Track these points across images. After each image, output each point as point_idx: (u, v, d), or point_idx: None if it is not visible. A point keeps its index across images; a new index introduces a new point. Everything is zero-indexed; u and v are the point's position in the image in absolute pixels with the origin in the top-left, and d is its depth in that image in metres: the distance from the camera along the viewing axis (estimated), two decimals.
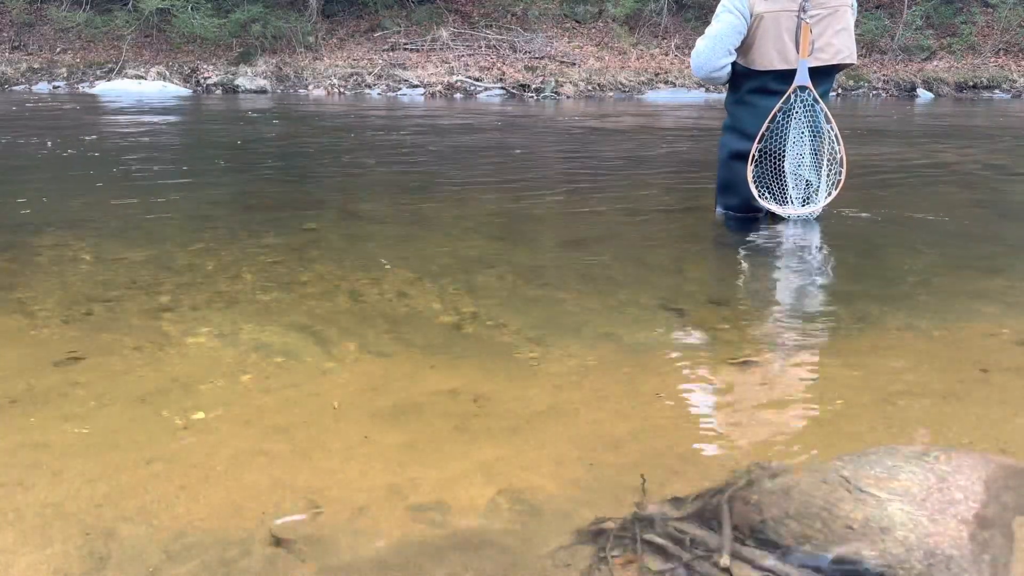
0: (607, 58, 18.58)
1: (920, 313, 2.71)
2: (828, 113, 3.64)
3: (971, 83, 18.50)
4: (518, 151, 7.57)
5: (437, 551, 1.40)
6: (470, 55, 18.28)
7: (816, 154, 3.70)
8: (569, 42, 19.04)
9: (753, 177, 3.67)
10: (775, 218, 3.77)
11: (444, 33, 18.61)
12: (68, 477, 1.63)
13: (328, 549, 1.41)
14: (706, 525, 1.45)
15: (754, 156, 3.66)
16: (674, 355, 2.34)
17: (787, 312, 2.80)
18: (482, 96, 16.76)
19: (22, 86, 16.69)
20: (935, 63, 19.05)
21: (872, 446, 1.74)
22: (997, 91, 18.38)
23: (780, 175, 3.69)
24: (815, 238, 3.75)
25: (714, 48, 3.62)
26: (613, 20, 19.44)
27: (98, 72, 17.20)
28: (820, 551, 1.34)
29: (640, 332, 2.50)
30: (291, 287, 2.92)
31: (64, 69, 17.27)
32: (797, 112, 3.62)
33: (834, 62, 3.61)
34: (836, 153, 3.68)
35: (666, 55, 18.87)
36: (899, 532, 1.32)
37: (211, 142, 8.13)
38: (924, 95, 17.83)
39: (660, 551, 1.39)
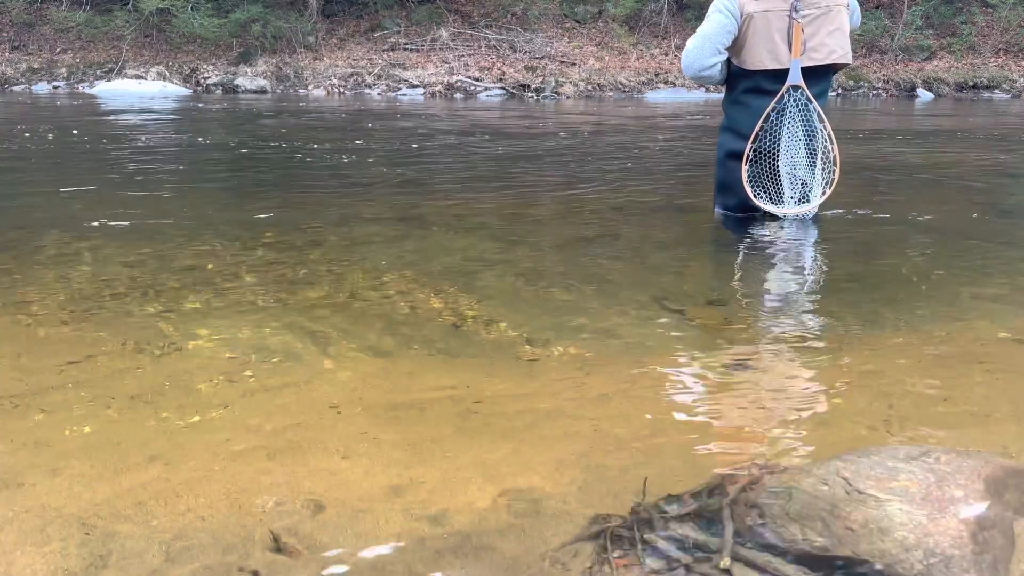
0: (607, 58, 18.58)
1: (920, 313, 2.71)
2: (821, 112, 3.64)
3: (971, 83, 18.50)
4: (515, 151, 7.57)
5: (437, 551, 1.40)
6: (470, 55, 18.29)
7: (811, 154, 3.69)
8: (569, 42, 19.04)
9: (748, 177, 3.67)
10: (773, 218, 3.76)
11: (444, 33, 18.61)
12: (68, 477, 1.63)
13: (328, 549, 1.41)
14: (706, 526, 1.45)
15: (748, 156, 3.65)
16: (674, 355, 2.34)
17: (787, 312, 2.80)
18: (482, 96, 16.76)
19: (22, 86, 16.70)
20: (935, 63, 19.06)
21: (872, 446, 1.74)
22: (997, 91, 18.38)
23: (775, 174, 3.69)
24: (815, 238, 3.75)
25: (702, 47, 3.63)
26: (613, 20, 19.45)
27: (98, 72, 17.21)
28: (820, 552, 1.34)
29: (640, 332, 2.50)
30: (291, 287, 2.92)
31: (64, 69, 17.27)
32: (790, 111, 3.62)
33: (827, 62, 3.61)
34: (829, 152, 3.68)
35: (666, 55, 18.88)
36: (899, 532, 1.32)
37: (212, 143, 8.12)
38: (924, 95, 17.84)
39: (660, 552, 1.39)
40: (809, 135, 3.66)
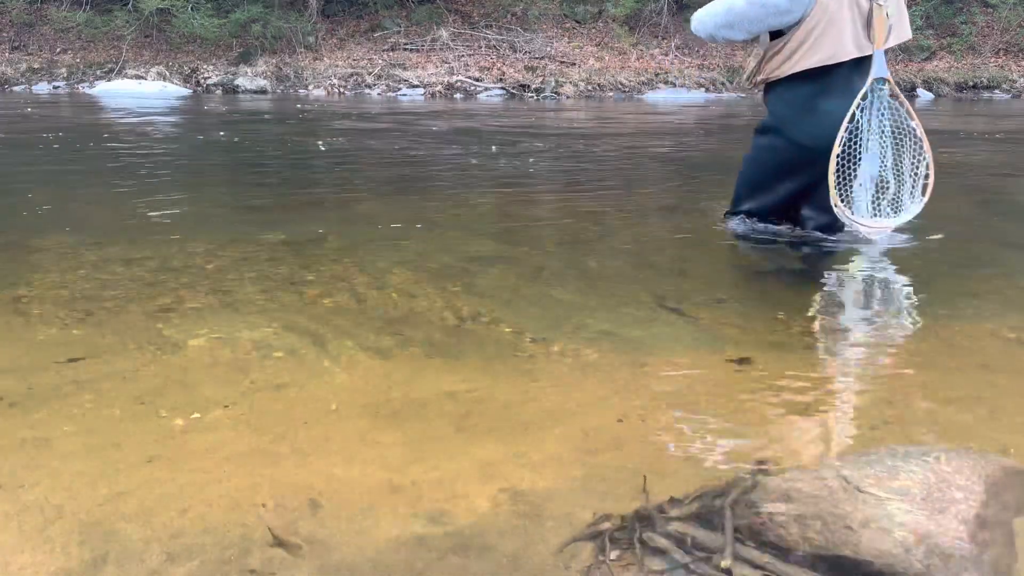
0: (607, 58, 18.58)
1: (920, 312, 2.71)
2: (910, 108, 3.23)
3: (971, 83, 18.49)
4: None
5: (437, 551, 1.40)
6: (470, 55, 18.28)
7: (898, 156, 3.28)
8: (569, 42, 19.04)
9: (835, 182, 3.21)
10: (791, 224, 3.58)
11: (444, 33, 18.61)
12: (68, 477, 1.63)
13: (328, 549, 1.41)
14: (707, 526, 1.45)
15: (837, 163, 3.17)
16: (674, 355, 2.34)
17: (786, 311, 2.80)
18: (482, 96, 16.76)
19: (22, 86, 16.69)
20: (935, 63, 19.05)
21: (872, 446, 1.74)
22: (997, 91, 18.37)
23: (848, 183, 3.27)
24: (814, 238, 3.74)
25: (744, 18, 3.12)
26: (613, 20, 19.44)
27: (98, 72, 17.20)
28: (820, 551, 1.34)
29: (640, 332, 2.50)
30: (291, 287, 2.92)
31: (64, 69, 17.26)
32: (876, 109, 3.18)
33: (902, 41, 3.30)
34: (923, 155, 3.25)
35: (666, 55, 18.88)
36: (899, 532, 1.32)
37: (212, 142, 8.13)
38: (924, 95, 17.83)
39: (660, 552, 1.39)
40: (898, 135, 3.25)
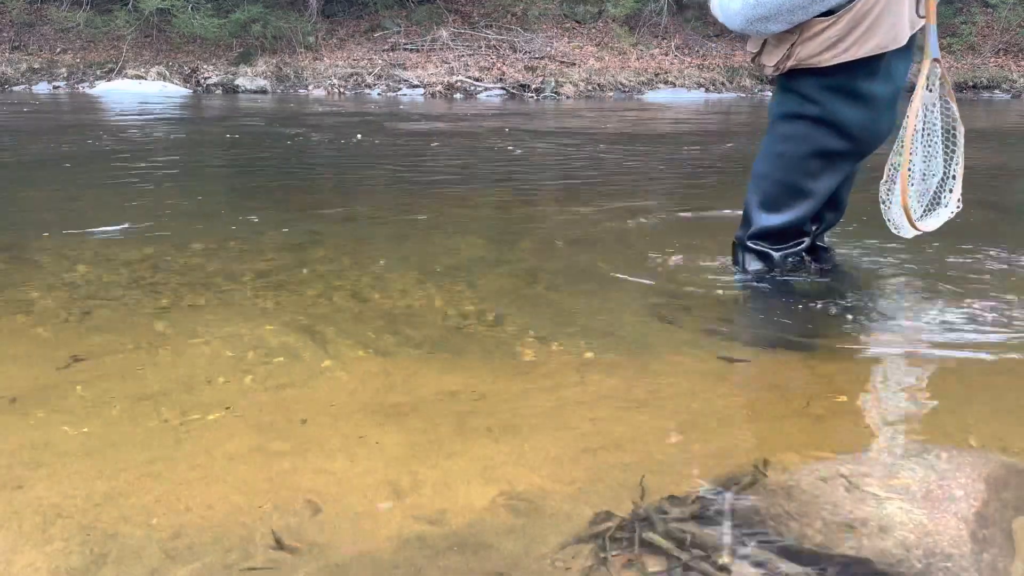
0: (607, 58, 18.58)
1: (919, 311, 2.71)
2: (951, 89, 2.81)
3: (971, 83, 18.49)
4: (516, 152, 7.57)
5: (437, 551, 1.40)
6: (470, 55, 18.29)
7: (948, 147, 2.85)
8: (569, 42, 19.04)
9: (896, 195, 2.74)
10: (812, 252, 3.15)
11: (444, 33, 18.62)
12: (68, 477, 1.63)
13: (328, 549, 1.41)
14: (706, 525, 1.45)
15: (907, 168, 2.67)
16: (674, 354, 2.34)
17: (786, 311, 2.80)
18: (482, 96, 16.76)
19: (22, 86, 16.69)
20: None
21: (872, 444, 1.74)
22: (997, 91, 18.37)
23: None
24: (815, 239, 3.73)
25: (784, 8, 2.51)
26: (613, 20, 19.44)
27: (98, 72, 17.20)
28: (820, 551, 1.34)
29: (640, 332, 2.50)
30: (291, 287, 2.92)
31: (64, 69, 17.27)
32: (933, 95, 2.73)
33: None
34: (960, 141, 2.84)
35: (666, 55, 18.88)
36: (898, 531, 1.33)
37: (212, 142, 8.12)
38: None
39: (660, 551, 1.39)
40: (947, 122, 2.81)
